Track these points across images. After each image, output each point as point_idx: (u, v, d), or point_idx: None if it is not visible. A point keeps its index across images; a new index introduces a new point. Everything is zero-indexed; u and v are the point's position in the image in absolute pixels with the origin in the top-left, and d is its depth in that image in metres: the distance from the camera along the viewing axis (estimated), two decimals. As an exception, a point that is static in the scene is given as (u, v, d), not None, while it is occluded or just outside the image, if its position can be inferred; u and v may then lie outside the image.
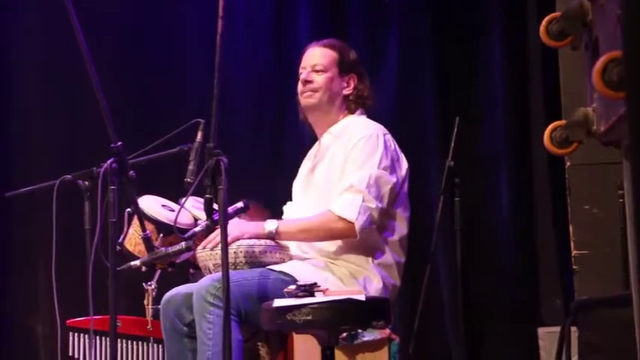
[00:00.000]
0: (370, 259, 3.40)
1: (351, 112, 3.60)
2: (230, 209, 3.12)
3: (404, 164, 3.50)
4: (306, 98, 3.59)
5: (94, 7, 4.80)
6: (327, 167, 3.51)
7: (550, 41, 2.01)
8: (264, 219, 3.43)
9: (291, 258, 3.42)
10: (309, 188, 3.59)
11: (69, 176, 3.21)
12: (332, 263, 3.39)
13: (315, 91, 3.57)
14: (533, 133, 4.74)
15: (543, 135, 1.95)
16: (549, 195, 4.68)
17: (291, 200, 3.70)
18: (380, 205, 3.34)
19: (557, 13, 2.01)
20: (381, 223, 3.39)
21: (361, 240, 3.35)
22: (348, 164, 3.41)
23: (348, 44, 3.73)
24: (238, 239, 3.30)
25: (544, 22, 2.01)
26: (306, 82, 3.58)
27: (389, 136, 3.50)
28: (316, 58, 3.61)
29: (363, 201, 3.31)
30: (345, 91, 3.60)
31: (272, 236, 3.34)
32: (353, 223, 3.29)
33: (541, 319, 4.54)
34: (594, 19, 1.91)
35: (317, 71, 3.58)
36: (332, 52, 3.61)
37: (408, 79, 4.92)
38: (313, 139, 3.72)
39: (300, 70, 3.63)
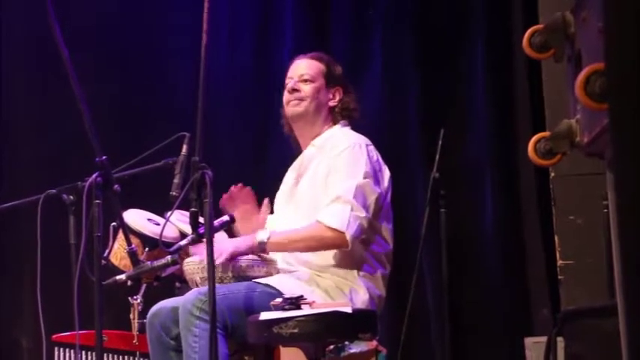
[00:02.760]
0: (356, 271, 3.39)
1: (335, 123, 3.60)
2: (216, 222, 3.11)
3: (386, 175, 3.50)
4: (292, 107, 3.58)
5: (78, 20, 4.79)
6: (310, 179, 3.50)
7: (533, 53, 2.02)
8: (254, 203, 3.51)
9: (278, 272, 3.41)
10: (293, 200, 3.58)
11: (54, 190, 3.20)
12: (318, 276, 3.38)
13: (302, 99, 3.56)
14: (518, 144, 4.74)
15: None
16: (536, 205, 4.67)
17: (272, 214, 3.69)
18: (368, 215, 3.34)
19: (540, 26, 2.02)
20: (367, 234, 3.39)
21: (348, 252, 3.35)
22: (332, 175, 3.40)
23: (333, 59, 3.74)
24: (235, 255, 3.29)
25: (527, 34, 2.02)
26: (293, 90, 3.58)
27: (372, 147, 3.49)
28: (303, 68, 3.61)
29: (352, 210, 3.30)
30: (331, 103, 3.60)
31: (264, 247, 3.32)
32: (344, 233, 3.28)
33: (528, 329, 4.53)
34: (577, 32, 1.93)
35: (304, 81, 3.58)
36: (319, 64, 3.62)
37: (392, 90, 4.91)
38: (298, 151, 3.71)
39: (287, 81, 3.62)
